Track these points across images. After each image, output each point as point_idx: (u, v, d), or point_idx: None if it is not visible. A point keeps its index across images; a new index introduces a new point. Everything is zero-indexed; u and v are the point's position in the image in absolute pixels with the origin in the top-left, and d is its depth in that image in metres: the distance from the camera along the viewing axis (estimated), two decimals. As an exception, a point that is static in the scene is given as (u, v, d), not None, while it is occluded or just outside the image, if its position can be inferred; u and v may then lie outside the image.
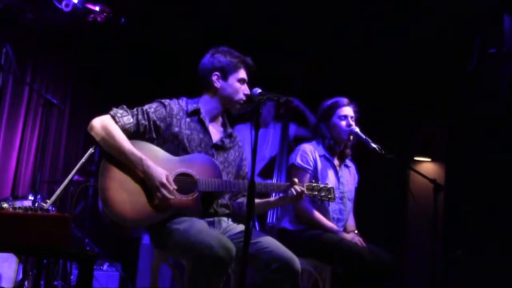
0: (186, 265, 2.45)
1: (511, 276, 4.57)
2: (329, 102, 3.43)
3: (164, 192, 2.52)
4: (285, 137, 4.64)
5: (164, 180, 2.53)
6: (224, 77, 2.80)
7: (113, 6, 4.81)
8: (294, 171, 3.33)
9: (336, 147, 3.41)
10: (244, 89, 2.81)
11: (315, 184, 2.80)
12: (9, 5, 4.83)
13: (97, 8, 4.81)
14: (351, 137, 3.35)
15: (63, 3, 4.65)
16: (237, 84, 2.80)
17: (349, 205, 3.45)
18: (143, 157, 2.55)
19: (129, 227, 2.61)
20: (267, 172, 4.61)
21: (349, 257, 3.05)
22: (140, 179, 2.56)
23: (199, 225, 2.49)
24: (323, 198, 2.79)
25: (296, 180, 2.72)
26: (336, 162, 3.43)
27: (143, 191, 2.55)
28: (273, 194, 2.93)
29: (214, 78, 2.81)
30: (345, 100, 3.41)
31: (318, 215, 3.27)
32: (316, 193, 2.78)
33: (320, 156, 3.37)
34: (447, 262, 4.87)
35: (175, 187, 2.57)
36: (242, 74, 2.82)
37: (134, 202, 2.52)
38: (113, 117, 2.61)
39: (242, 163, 2.92)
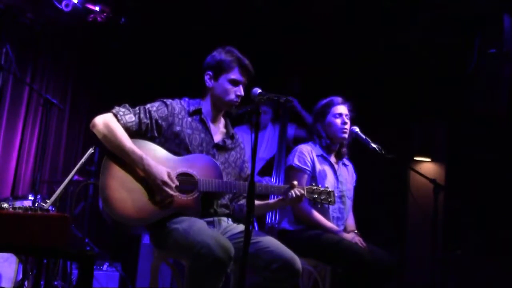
0: (186, 265, 2.45)
1: (511, 276, 4.57)
2: (324, 101, 3.45)
3: (167, 189, 2.53)
4: (284, 137, 4.63)
5: (166, 178, 2.53)
6: (216, 76, 2.76)
7: (113, 6, 4.82)
8: (292, 172, 3.32)
9: (332, 146, 3.42)
10: (237, 90, 2.75)
11: (315, 187, 2.82)
12: (9, 5, 4.82)
13: (97, 8, 4.82)
14: (346, 136, 3.36)
15: (63, 3, 4.65)
16: (228, 85, 2.74)
17: (349, 203, 3.45)
18: (144, 155, 2.54)
19: (129, 226, 2.61)
20: (264, 173, 4.61)
21: (349, 257, 3.06)
22: (141, 178, 2.56)
23: (199, 224, 2.49)
24: (323, 201, 2.81)
25: (295, 182, 2.73)
26: (333, 160, 3.44)
27: (144, 190, 2.55)
28: (273, 196, 2.94)
29: (207, 77, 2.80)
30: (339, 99, 3.42)
31: (317, 215, 3.27)
32: (316, 196, 2.80)
33: (317, 156, 3.37)
34: (447, 262, 4.86)
35: (177, 183, 2.57)
36: (235, 74, 2.74)
37: (134, 200, 2.52)
38: (115, 115, 2.61)
39: (244, 165, 2.91)
